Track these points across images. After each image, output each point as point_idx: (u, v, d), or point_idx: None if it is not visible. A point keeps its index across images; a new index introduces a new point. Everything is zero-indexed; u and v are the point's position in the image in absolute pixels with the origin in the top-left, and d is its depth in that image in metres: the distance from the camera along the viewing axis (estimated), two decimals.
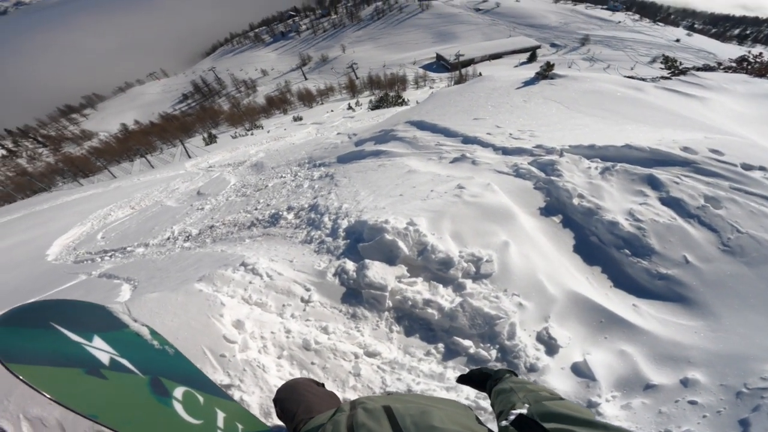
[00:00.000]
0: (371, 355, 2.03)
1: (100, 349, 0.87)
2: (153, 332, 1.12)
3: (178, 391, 0.95)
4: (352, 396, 1.80)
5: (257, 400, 1.67)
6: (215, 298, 2.19)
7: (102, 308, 1.07)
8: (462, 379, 1.02)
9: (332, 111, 32.61)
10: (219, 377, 1.73)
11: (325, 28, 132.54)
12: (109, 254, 5.56)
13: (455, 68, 64.05)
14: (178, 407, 0.90)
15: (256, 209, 5.04)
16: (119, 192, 11.44)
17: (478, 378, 0.98)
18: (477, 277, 2.35)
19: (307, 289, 2.44)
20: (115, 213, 8.71)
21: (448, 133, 5.09)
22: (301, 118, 34.64)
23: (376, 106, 23.77)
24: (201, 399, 1.01)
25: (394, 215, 2.83)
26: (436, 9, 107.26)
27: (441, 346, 2.07)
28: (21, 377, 0.65)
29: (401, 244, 2.56)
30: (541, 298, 2.12)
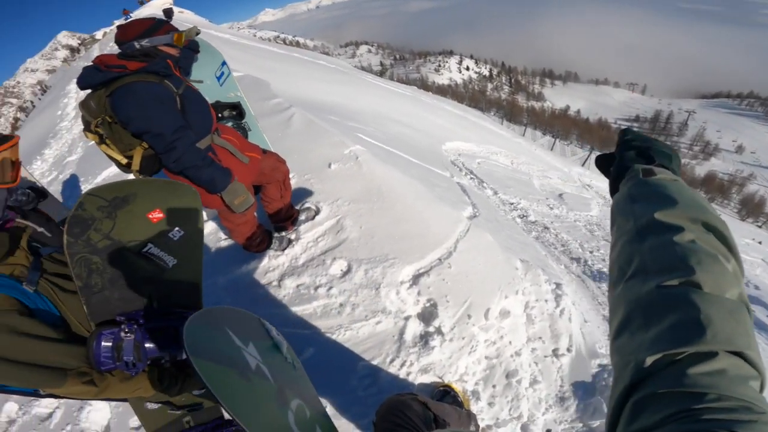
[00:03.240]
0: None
1: (252, 355, 0.98)
2: (288, 348, 1.23)
3: (294, 403, 1.03)
4: None
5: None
6: (519, 282, 2.26)
7: (257, 320, 1.19)
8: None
9: None
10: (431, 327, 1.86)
11: None
12: (471, 177, 6.71)
13: None
14: (291, 417, 0.98)
15: (590, 253, 4.57)
16: (515, 146, 13.11)
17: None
18: None
19: (569, 350, 2.16)
20: (499, 157, 10.14)
21: None
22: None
23: None
24: (308, 413, 1.09)
25: None
26: None
27: None
28: (198, 370, 0.76)
29: None
30: None
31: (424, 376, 1.91)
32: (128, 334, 1.06)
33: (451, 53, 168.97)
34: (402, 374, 1.92)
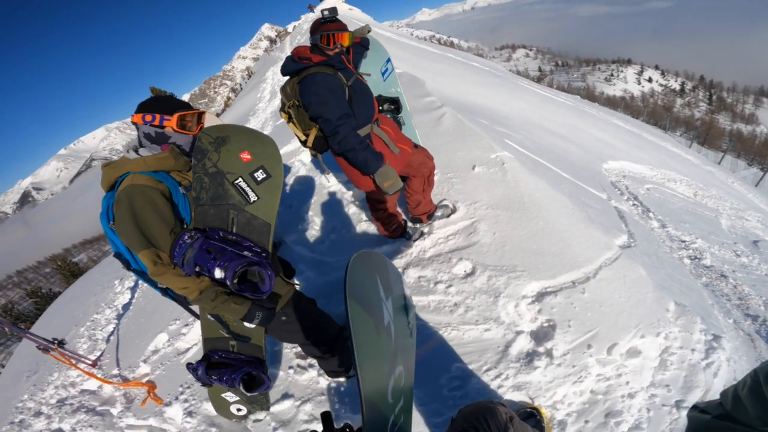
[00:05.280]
0: None
1: (388, 311, 1.02)
2: (413, 314, 1.28)
3: (398, 369, 1.06)
4: None
5: None
6: (666, 325, 1.96)
7: (401, 277, 1.24)
8: None
9: None
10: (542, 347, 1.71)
11: None
12: (634, 203, 5.68)
13: None
14: (391, 381, 0.99)
15: None
16: (705, 175, 10.45)
17: None
18: None
19: None
20: (678, 185, 8.27)
21: None
22: None
23: None
24: (403, 382, 1.10)
25: None
26: None
27: None
28: (349, 309, 0.79)
29: None
30: None
31: (514, 393, 1.83)
32: (188, 240, 1.37)
33: (629, 62, 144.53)
34: (493, 386, 1.87)
